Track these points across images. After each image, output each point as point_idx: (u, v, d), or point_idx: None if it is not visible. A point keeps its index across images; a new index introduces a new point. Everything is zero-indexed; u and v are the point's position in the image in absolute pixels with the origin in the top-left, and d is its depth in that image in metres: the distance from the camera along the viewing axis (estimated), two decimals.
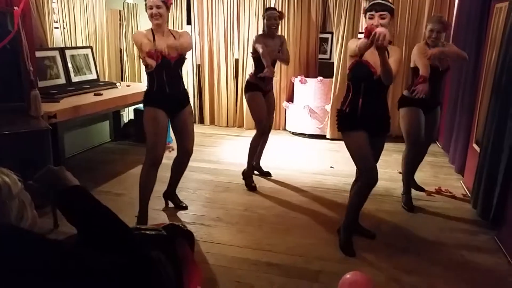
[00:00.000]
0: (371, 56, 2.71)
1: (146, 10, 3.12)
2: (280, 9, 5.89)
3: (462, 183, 4.28)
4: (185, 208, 3.59)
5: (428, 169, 4.52)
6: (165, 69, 3.15)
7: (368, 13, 2.68)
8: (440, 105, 3.87)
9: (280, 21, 4.09)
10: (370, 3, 2.73)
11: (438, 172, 4.60)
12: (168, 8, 3.12)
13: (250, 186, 4.12)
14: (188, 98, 3.39)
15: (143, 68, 5.89)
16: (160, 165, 3.24)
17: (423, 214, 3.61)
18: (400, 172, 4.14)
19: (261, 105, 4.12)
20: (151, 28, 3.13)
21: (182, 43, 3.15)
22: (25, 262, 0.87)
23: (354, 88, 2.82)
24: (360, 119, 2.79)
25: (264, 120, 4.14)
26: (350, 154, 2.88)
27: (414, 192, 3.88)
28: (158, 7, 3.04)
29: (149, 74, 3.19)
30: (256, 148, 4.25)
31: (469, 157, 4.24)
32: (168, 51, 3.08)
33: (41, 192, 1.17)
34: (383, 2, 2.69)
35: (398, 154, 4.78)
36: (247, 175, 4.22)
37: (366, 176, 2.83)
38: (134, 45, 5.68)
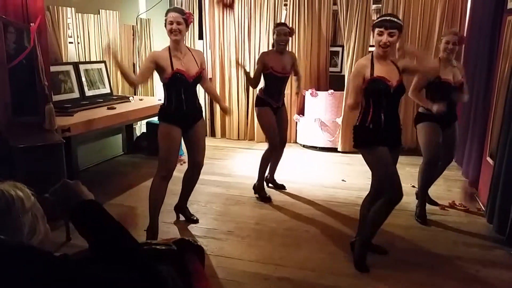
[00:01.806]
0: (383, 72, 2.72)
1: (165, 25, 3.15)
2: (290, 23, 5.95)
3: (476, 197, 4.22)
4: (196, 221, 3.59)
5: (441, 183, 4.46)
6: (183, 88, 3.19)
7: (377, 29, 2.68)
8: (457, 119, 3.83)
9: (290, 38, 4.09)
10: (380, 19, 2.74)
11: (451, 186, 4.54)
12: (187, 26, 3.16)
13: (265, 198, 4.13)
14: (201, 112, 3.42)
15: (155, 82, 5.97)
16: (171, 178, 3.26)
17: (437, 228, 3.56)
18: (413, 186, 4.11)
19: (270, 121, 4.09)
20: (168, 46, 3.17)
21: (202, 65, 3.28)
22: (30, 281, 0.88)
23: (374, 103, 2.76)
24: (383, 134, 2.76)
25: (274, 135, 4.10)
26: (374, 170, 2.81)
27: (428, 206, 3.83)
28: (178, 23, 3.08)
29: (167, 91, 3.23)
30: (267, 162, 4.24)
31: (483, 170, 4.18)
32: (187, 71, 3.15)
33: (56, 206, 1.18)
34: (394, 19, 2.69)
35: (411, 168, 4.74)
36: (258, 188, 4.22)
37: (392, 193, 2.74)
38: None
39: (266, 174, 4.35)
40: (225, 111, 3.73)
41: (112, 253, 1.12)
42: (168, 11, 3.16)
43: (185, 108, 3.22)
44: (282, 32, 3.98)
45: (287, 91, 4.93)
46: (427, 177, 3.72)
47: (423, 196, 3.77)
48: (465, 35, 5.36)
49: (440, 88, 3.53)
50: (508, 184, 3.20)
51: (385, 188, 2.78)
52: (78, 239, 1.21)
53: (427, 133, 3.60)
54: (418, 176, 3.76)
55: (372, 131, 2.77)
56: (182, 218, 3.65)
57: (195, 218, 3.61)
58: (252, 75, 4.19)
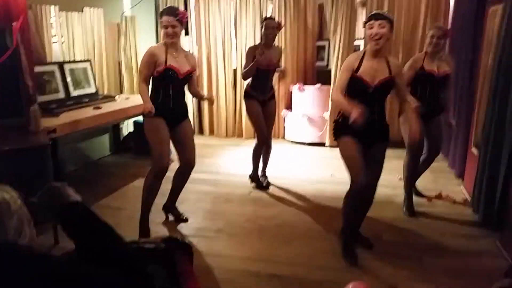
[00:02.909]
0: (367, 70, 2.76)
1: (162, 28, 3.17)
2: (276, 17, 5.93)
3: (462, 187, 4.28)
4: (186, 220, 3.59)
5: (428, 174, 4.51)
6: (172, 84, 3.21)
7: (368, 23, 2.74)
8: (443, 112, 3.85)
9: (278, 31, 4.14)
10: (370, 15, 2.82)
11: (438, 177, 4.59)
12: (182, 25, 3.17)
13: (262, 186, 4.31)
14: (187, 111, 3.44)
15: None
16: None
17: (424, 219, 3.61)
18: (400, 179, 4.14)
19: (257, 114, 4.18)
20: (165, 42, 3.17)
21: (193, 66, 3.31)
22: (22, 277, 0.87)
23: (350, 99, 2.80)
24: (351, 127, 2.74)
25: (263, 128, 4.20)
26: (343, 160, 2.90)
27: (415, 198, 3.88)
28: (173, 26, 3.10)
29: (155, 86, 3.24)
30: (259, 156, 4.34)
31: (468, 161, 4.24)
32: (179, 68, 3.16)
33: (44, 209, 1.18)
34: (382, 12, 2.81)
35: (397, 160, 4.75)
36: (254, 178, 4.37)
37: (352, 183, 2.84)
38: (133, 57, 5.74)
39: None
40: (210, 100, 3.77)
41: (99, 254, 1.12)
42: (161, 14, 3.16)
43: (171, 105, 3.23)
44: (270, 26, 4.04)
45: (275, 86, 4.93)
46: (411, 170, 3.76)
47: (409, 189, 3.81)
48: (449, 27, 5.41)
49: (423, 79, 3.59)
50: (493, 174, 3.25)
51: (350, 177, 2.86)
52: (66, 242, 1.21)
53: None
54: (403, 170, 3.80)
55: (342, 123, 2.86)
56: (171, 218, 3.64)
57: (184, 217, 3.61)
58: (242, 70, 4.24)
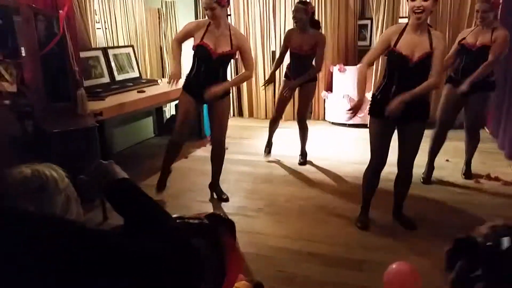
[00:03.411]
0: (406, 44, 2.66)
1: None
2: None
3: None
4: (226, 200, 3.65)
5: (476, 155, 4.33)
6: (205, 62, 3.26)
7: None
8: (489, 89, 3.64)
9: (306, 15, 4.03)
10: None
11: (486, 158, 4.40)
12: (223, 6, 3.17)
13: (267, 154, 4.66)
14: (225, 92, 3.40)
15: (183, 64, 6.01)
16: (184, 147, 3.62)
17: (471, 200, 3.49)
18: (447, 160, 4.05)
19: (281, 92, 4.32)
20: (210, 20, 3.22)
21: (236, 47, 3.27)
22: (63, 251, 0.91)
23: (388, 75, 2.78)
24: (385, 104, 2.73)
25: (278, 106, 4.45)
26: (369, 135, 2.96)
27: (462, 180, 3.80)
28: (211, 8, 3.11)
29: (193, 59, 3.35)
30: (270, 128, 4.57)
31: None
32: (214, 47, 3.17)
33: (92, 185, 1.23)
34: None
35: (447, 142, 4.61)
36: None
37: (371, 159, 2.99)
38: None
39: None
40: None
41: (146, 228, 1.16)
42: None
43: (202, 82, 3.29)
44: (296, 9, 4.09)
45: None
46: (434, 140, 3.82)
47: (429, 158, 3.87)
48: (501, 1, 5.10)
49: (461, 52, 3.58)
50: None
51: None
52: (115, 218, 1.26)
53: (443, 98, 3.73)
54: (430, 141, 3.83)
55: (378, 101, 2.81)
56: (215, 196, 3.72)
57: (225, 197, 3.67)
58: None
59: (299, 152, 4.60)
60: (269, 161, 4.62)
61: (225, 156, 3.68)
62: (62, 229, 0.92)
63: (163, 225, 1.19)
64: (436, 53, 2.65)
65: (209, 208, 3.55)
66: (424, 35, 2.68)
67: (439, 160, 4.23)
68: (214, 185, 3.72)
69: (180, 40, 3.39)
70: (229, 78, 3.75)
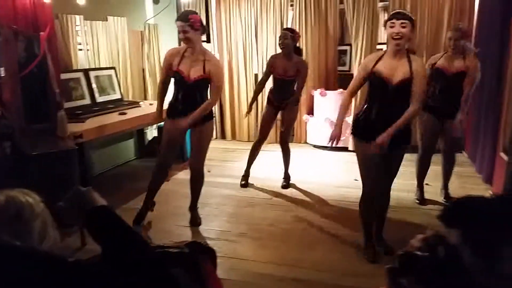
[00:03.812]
0: (385, 68, 2.73)
1: None
2: (297, 23, 5.98)
3: (491, 193, 4.16)
4: (197, 225, 3.58)
5: (454, 179, 4.41)
6: (182, 88, 3.31)
7: (389, 22, 2.69)
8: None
9: (293, 42, 4.18)
10: (391, 13, 2.79)
11: (465, 182, 4.49)
12: (196, 30, 3.20)
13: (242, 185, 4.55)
14: (204, 117, 3.36)
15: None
16: (169, 173, 3.63)
17: None
18: (427, 184, 4.10)
19: (263, 115, 4.50)
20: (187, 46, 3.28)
21: (207, 72, 3.26)
22: (42, 285, 0.88)
23: (369, 97, 2.83)
24: (373, 128, 2.77)
25: (261, 129, 4.52)
26: (357, 161, 2.95)
27: (443, 204, 3.84)
28: (184, 32, 3.16)
29: (173, 86, 3.40)
30: (252, 152, 4.56)
31: (497, 166, 4.13)
32: (188, 72, 3.21)
33: (70, 213, 1.19)
34: (404, 11, 2.79)
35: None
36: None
37: (364, 188, 2.96)
38: (157, 64, 5.83)
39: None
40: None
41: (124, 257, 1.13)
42: (176, 20, 3.25)
43: (180, 108, 3.32)
44: (282, 35, 4.20)
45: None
46: (420, 165, 3.93)
47: (418, 182, 4.00)
48: (474, 30, 5.31)
49: (435, 76, 3.65)
50: None
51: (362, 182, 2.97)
52: (94, 244, 1.23)
53: (421, 125, 3.80)
54: (415, 164, 3.95)
55: (361, 123, 2.87)
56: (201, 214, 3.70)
57: (198, 221, 3.60)
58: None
59: (282, 175, 4.61)
60: (252, 185, 4.59)
61: (208, 179, 3.65)
62: (43, 263, 0.89)
63: (142, 255, 1.16)
64: (416, 79, 2.69)
65: (191, 233, 3.49)
66: (404, 60, 2.73)
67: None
68: (191, 209, 3.67)
69: (163, 79, 3.46)
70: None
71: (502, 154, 3.91)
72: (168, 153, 3.45)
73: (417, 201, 3.98)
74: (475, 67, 3.57)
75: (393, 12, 2.79)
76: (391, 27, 2.67)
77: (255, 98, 4.66)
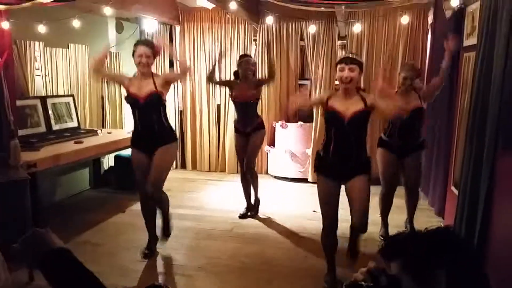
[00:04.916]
0: (339, 103, 2.84)
1: (133, 55, 3.28)
2: (260, 57, 6.13)
3: (442, 226, 4.31)
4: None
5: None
6: (137, 110, 3.33)
7: (339, 65, 2.84)
8: (421, 148, 3.91)
9: (254, 67, 4.38)
10: (341, 57, 2.95)
11: (418, 215, 4.58)
12: (155, 57, 3.33)
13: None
14: (165, 138, 3.37)
15: (125, 114, 5.93)
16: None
17: None
18: (380, 215, 4.19)
19: (236, 147, 4.56)
20: (135, 73, 3.37)
21: (160, 83, 3.30)
22: None
23: (327, 132, 2.93)
24: (331, 163, 2.87)
25: (240, 159, 4.58)
26: (318, 195, 3.03)
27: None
28: (147, 56, 3.21)
29: (132, 114, 3.41)
30: (243, 184, 4.57)
31: (448, 199, 4.30)
32: (139, 93, 3.25)
33: (26, 255, 1.14)
34: (354, 56, 2.92)
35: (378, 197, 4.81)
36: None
37: (323, 221, 3.03)
38: (116, 92, 5.77)
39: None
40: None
41: None
42: (137, 43, 3.30)
43: (140, 129, 3.35)
44: (249, 62, 4.36)
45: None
46: (384, 202, 3.97)
47: (383, 219, 4.03)
48: (426, 68, 5.61)
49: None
50: (472, 214, 3.30)
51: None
52: (41, 279, 1.17)
53: (382, 163, 3.85)
54: (379, 202, 3.97)
55: (321, 158, 2.95)
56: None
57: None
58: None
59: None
60: (211, 216, 4.54)
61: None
62: None
63: None
64: (378, 105, 2.80)
65: (146, 268, 3.38)
66: (356, 98, 2.87)
67: (371, 217, 4.37)
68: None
69: (110, 75, 3.71)
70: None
71: (453, 188, 4.08)
72: (144, 180, 3.38)
73: (381, 237, 3.96)
74: (426, 88, 3.86)
75: (343, 57, 2.95)
76: (341, 71, 2.82)
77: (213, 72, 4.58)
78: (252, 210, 4.63)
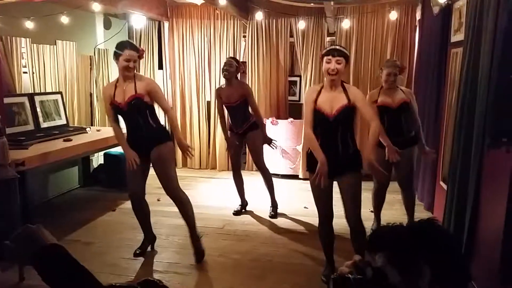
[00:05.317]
0: (325, 101, 2.86)
1: (116, 58, 3.20)
2: (249, 54, 6.11)
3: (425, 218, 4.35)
4: (202, 257, 3.45)
5: (397, 207, 4.61)
6: (123, 116, 3.31)
7: (326, 57, 2.84)
8: (413, 143, 3.89)
9: (236, 71, 4.30)
10: (328, 49, 2.92)
11: None
12: (141, 59, 3.33)
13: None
14: (157, 138, 3.33)
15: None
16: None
17: None
18: (371, 211, 4.22)
19: (230, 145, 4.47)
20: (117, 78, 3.27)
21: (142, 90, 3.22)
22: None
23: (315, 131, 2.93)
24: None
25: (231, 157, 4.61)
26: (312, 191, 3.06)
27: None
28: (134, 61, 3.18)
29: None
30: (236, 182, 4.62)
31: (437, 194, 4.35)
32: (121, 99, 3.21)
33: (18, 252, 1.13)
34: (340, 48, 2.91)
35: (368, 193, 4.85)
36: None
37: (319, 217, 3.09)
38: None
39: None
40: (180, 144, 3.40)
41: None
42: (124, 48, 3.17)
43: (129, 134, 3.36)
44: (227, 63, 4.29)
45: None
46: (376, 199, 4.00)
47: (376, 216, 4.04)
48: (414, 65, 5.67)
49: (380, 112, 3.64)
50: (460, 209, 3.34)
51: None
52: (32, 279, 1.16)
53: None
54: (371, 198, 3.99)
55: (312, 156, 2.95)
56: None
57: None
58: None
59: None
60: (202, 214, 4.54)
61: (157, 208, 3.60)
62: None
63: None
64: (359, 103, 2.86)
65: (137, 266, 3.38)
66: (339, 90, 2.90)
67: (362, 211, 4.41)
68: (192, 241, 3.50)
69: (114, 118, 3.34)
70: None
71: (442, 183, 4.13)
72: (136, 181, 3.35)
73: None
74: (412, 96, 3.84)
75: (330, 48, 2.92)
76: (328, 63, 2.82)
77: (224, 128, 4.56)
78: (245, 207, 4.69)
